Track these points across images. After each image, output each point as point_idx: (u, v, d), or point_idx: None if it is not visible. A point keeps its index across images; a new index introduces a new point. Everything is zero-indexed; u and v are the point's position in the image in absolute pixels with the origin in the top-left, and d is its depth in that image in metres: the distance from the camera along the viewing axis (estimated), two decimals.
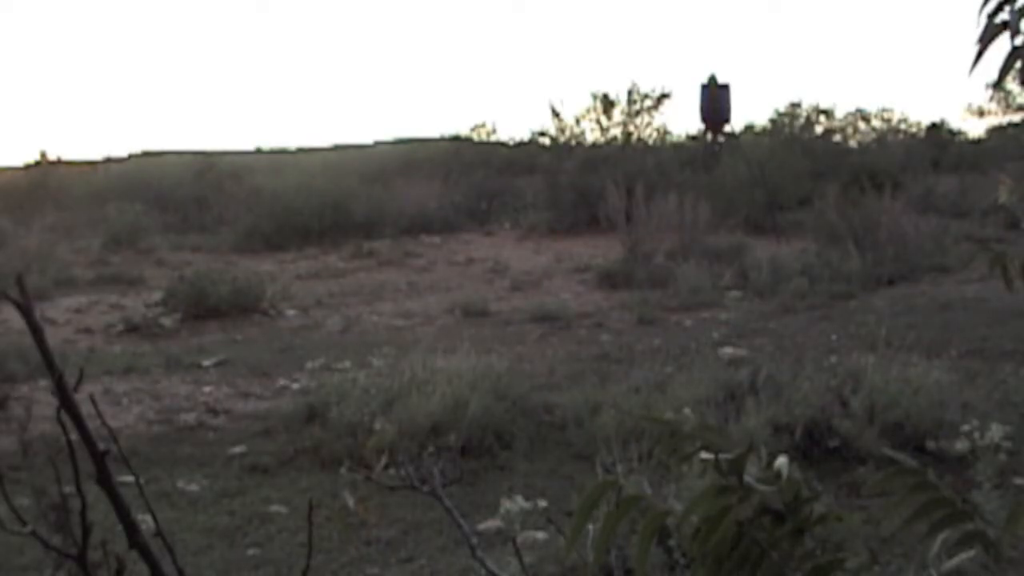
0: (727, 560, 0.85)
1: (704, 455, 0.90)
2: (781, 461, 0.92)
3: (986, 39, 1.01)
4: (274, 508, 5.26)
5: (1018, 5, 1.03)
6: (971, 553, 0.93)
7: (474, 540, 2.44)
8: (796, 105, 24.21)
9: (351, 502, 2.70)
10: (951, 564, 0.96)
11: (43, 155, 23.20)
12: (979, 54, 1.03)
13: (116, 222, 17.69)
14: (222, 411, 7.12)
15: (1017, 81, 1.05)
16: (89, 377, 5.49)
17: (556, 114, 20.62)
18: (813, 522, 0.87)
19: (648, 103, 20.40)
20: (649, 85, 22.92)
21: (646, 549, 0.91)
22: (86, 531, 1.24)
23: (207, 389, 7.76)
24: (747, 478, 0.89)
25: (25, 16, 54.16)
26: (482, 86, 56.35)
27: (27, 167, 23.42)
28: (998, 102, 24.60)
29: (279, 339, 9.91)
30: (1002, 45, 1.04)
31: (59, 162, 23.64)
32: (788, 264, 12.11)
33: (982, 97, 25.09)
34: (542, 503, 4.58)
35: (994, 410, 5.83)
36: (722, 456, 0.89)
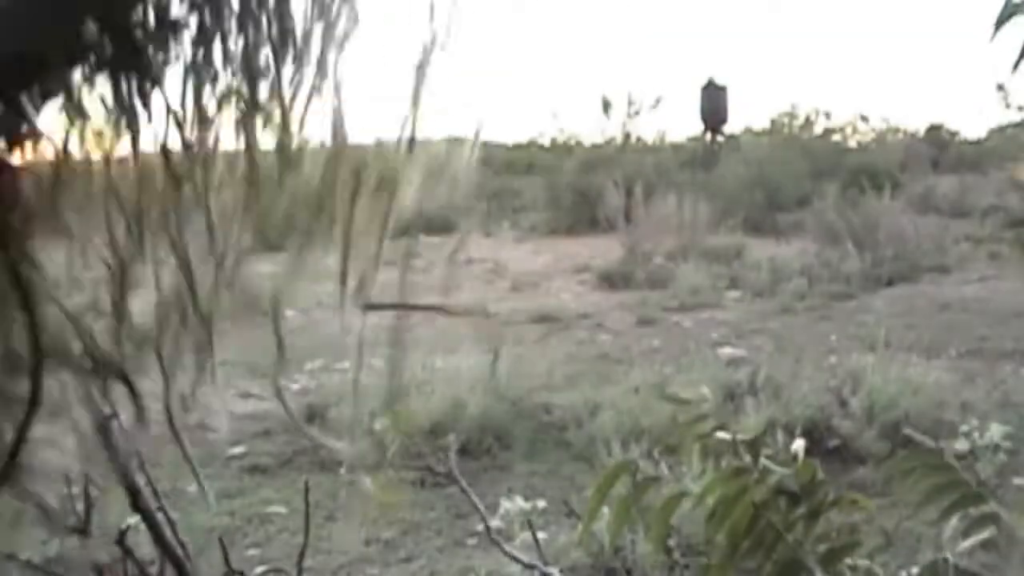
0: (742, 542, 0.85)
1: (721, 435, 0.90)
2: (798, 444, 0.92)
3: (1003, 19, 1.01)
4: (274, 508, 5.25)
5: None
6: (984, 535, 0.93)
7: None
8: (795, 106, 24.24)
9: (368, 483, 2.71)
10: (965, 545, 0.95)
11: None
12: (997, 27, 1.02)
13: None
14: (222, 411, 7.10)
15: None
16: None
17: (556, 115, 20.67)
18: (828, 505, 0.86)
19: (648, 104, 20.44)
20: (649, 86, 22.93)
21: (663, 527, 0.90)
22: (88, 502, 1.24)
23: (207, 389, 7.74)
24: (763, 460, 0.88)
25: None
26: (482, 86, 56.22)
27: None
28: (998, 102, 24.63)
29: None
30: (1008, 38, 1.04)
31: None
32: (788, 264, 12.11)
33: (982, 97, 25.12)
34: (542, 503, 4.57)
35: (994, 410, 5.83)
36: (739, 437, 0.89)
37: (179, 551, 1.23)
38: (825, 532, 0.87)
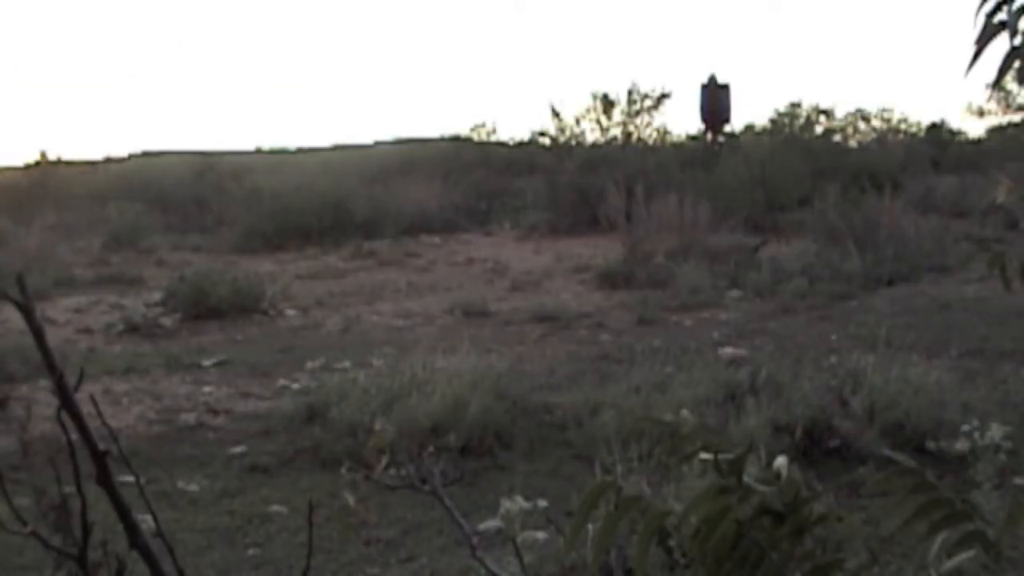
0: (727, 560, 0.85)
1: (704, 455, 0.90)
2: (780, 461, 0.92)
3: (984, 39, 1.01)
4: (274, 508, 5.25)
5: (1016, 5, 1.03)
6: (971, 553, 0.93)
7: (474, 540, 2.44)
8: (796, 105, 24.25)
9: (351, 501, 2.70)
10: (951, 564, 0.96)
11: (43, 155, 23.20)
12: (977, 54, 1.03)
13: (116, 222, 17.71)
14: (222, 411, 7.11)
15: (1016, 80, 1.05)
16: (89, 377, 5.46)
17: (556, 114, 20.63)
18: (813, 522, 0.87)
19: (648, 103, 20.41)
20: (649, 85, 22.91)
21: (646, 550, 0.91)
22: (86, 531, 1.24)
23: (207, 389, 7.76)
24: (747, 478, 0.88)
25: (25, 14, 54.16)
26: (482, 86, 56.35)
27: (27, 167, 23.41)
28: (998, 102, 24.62)
29: (279, 339, 9.91)
30: (1001, 45, 1.04)
31: (59, 162, 23.63)
32: (788, 264, 12.11)
33: (982, 97, 25.11)
34: (542, 503, 4.56)
35: (994, 410, 5.82)
36: (722, 456, 0.89)
37: None
38: (810, 550, 0.88)
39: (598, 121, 20.59)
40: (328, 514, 4.99)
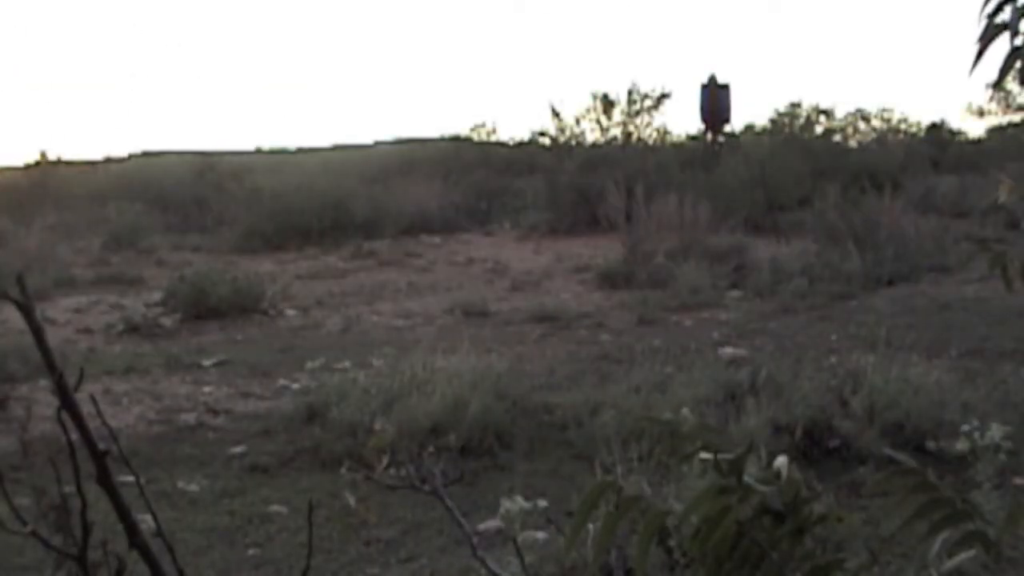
0: (727, 560, 0.85)
1: (704, 455, 0.90)
2: (781, 461, 0.92)
3: (986, 39, 1.01)
4: (274, 508, 5.25)
5: (1019, 4, 1.03)
6: (971, 553, 0.93)
7: (474, 540, 2.44)
8: (796, 105, 24.27)
9: (352, 501, 2.70)
10: (951, 564, 0.96)
11: (43, 155, 23.20)
12: (979, 54, 1.03)
13: (116, 222, 17.71)
14: (222, 411, 7.11)
15: (1017, 81, 1.06)
16: (89, 377, 5.43)
17: (556, 114, 20.64)
18: (813, 522, 0.87)
19: (648, 103, 20.41)
20: (649, 85, 22.91)
21: (646, 550, 0.91)
22: (86, 531, 1.24)
23: (207, 389, 7.76)
24: (747, 478, 0.88)
25: (25, 14, 54.16)
26: (482, 86, 56.38)
27: (27, 167, 23.42)
28: (998, 102, 24.63)
29: (279, 339, 9.91)
30: (1002, 45, 1.05)
31: (59, 162, 23.63)
32: (788, 264, 12.11)
33: (982, 97, 25.11)
34: (542, 503, 4.57)
35: (994, 410, 5.82)
36: (722, 456, 0.89)
37: None
38: (810, 550, 0.88)
39: (598, 121, 20.59)
40: (328, 514, 5.00)
